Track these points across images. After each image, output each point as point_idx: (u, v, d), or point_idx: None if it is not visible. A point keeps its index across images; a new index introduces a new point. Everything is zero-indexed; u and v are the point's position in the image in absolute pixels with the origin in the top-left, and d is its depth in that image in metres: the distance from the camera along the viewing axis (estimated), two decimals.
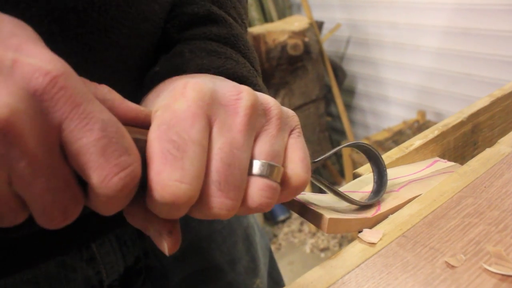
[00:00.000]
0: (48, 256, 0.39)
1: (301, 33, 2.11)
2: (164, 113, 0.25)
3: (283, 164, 0.29)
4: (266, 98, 0.30)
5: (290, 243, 2.26)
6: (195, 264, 0.51)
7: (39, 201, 0.21)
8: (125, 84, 0.35)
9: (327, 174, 2.63)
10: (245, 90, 0.28)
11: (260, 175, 0.27)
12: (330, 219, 0.33)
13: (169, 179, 0.23)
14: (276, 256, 2.16)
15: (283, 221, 2.41)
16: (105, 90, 0.25)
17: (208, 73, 0.33)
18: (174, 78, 0.31)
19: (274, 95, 2.18)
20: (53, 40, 0.29)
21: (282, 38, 2.06)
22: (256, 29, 2.17)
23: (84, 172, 0.22)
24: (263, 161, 0.27)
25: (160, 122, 0.25)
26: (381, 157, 0.39)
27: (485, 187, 0.38)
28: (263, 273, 0.60)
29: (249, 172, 0.27)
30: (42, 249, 0.38)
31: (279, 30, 2.08)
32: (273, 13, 2.58)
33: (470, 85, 1.91)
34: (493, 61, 1.78)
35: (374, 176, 0.40)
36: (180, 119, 0.25)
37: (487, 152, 0.43)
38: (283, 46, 2.06)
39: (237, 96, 0.28)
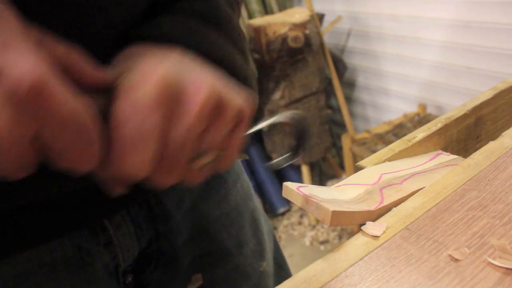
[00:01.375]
0: (61, 232, 0.39)
1: (302, 25, 2.10)
2: (128, 95, 0.28)
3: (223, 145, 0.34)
4: (227, 92, 0.32)
5: (290, 236, 2.26)
6: (204, 246, 0.52)
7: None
8: (109, 53, 0.36)
9: (327, 167, 2.63)
10: (206, 86, 0.30)
11: (198, 160, 0.32)
12: (333, 211, 0.33)
13: (129, 163, 0.28)
14: None
15: (283, 214, 2.41)
16: (78, 56, 0.27)
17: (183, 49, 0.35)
18: (148, 52, 0.33)
19: (274, 88, 2.17)
20: (37, 4, 0.29)
21: (283, 30, 2.05)
22: (257, 21, 2.16)
23: (56, 160, 0.26)
24: (207, 149, 0.32)
25: (124, 107, 0.27)
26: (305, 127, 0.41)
27: (489, 180, 0.38)
28: (269, 257, 0.61)
29: (196, 157, 0.32)
30: (54, 224, 0.38)
31: (280, 22, 2.07)
32: (274, 5, 2.56)
33: (472, 79, 1.91)
34: (495, 54, 1.77)
35: (295, 140, 0.41)
36: (144, 106, 0.27)
37: (491, 145, 0.43)
38: (284, 38, 2.05)
39: (197, 89, 0.30)
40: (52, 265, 0.39)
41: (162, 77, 0.29)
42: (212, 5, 0.38)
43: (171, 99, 0.29)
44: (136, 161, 0.28)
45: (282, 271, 0.65)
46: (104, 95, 0.29)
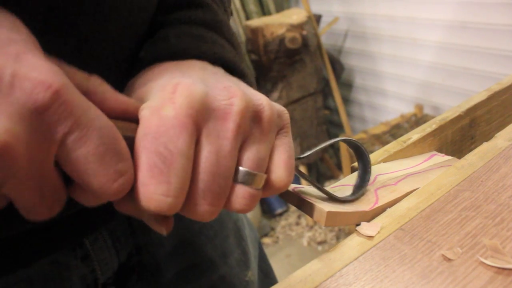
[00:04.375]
0: (41, 254, 0.39)
1: (299, 26, 2.10)
2: (151, 117, 0.25)
3: (268, 166, 0.30)
4: (258, 99, 0.29)
5: (288, 236, 2.27)
6: (188, 258, 0.51)
7: (28, 203, 0.22)
8: (119, 75, 0.35)
9: (325, 168, 2.64)
10: (237, 95, 0.28)
11: (243, 183, 0.28)
12: (328, 212, 0.34)
13: (155, 193, 0.24)
14: (274, 249, 2.17)
15: (281, 214, 2.42)
16: (97, 82, 0.25)
17: (194, 57, 0.33)
18: (163, 68, 0.31)
19: (272, 88, 2.17)
20: (47, 30, 0.29)
21: (280, 31, 2.06)
22: (254, 22, 2.16)
23: (83, 179, 0.22)
24: (248, 170, 0.28)
25: (147, 129, 0.25)
26: (368, 155, 0.40)
27: (482, 181, 0.38)
28: (254, 266, 0.60)
29: (234, 179, 0.28)
30: (35, 247, 0.38)
31: (277, 23, 2.07)
32: (271, 6, 2.57)
33: (468, 79, 1.92)
34: (491, 55, 1.78)
35: (359, 172, 0.40)
36: (167, 128, 0.24)
37: (484, 146, 0.44)
38: (281, 39, 2.05)
39: (228, 101, 0.27)
40: (28, 281, 0.38)
41: (185, 91, 0.26)
42: (210, 12, 0.37)
43: (199, 115, 0.26)
44: (162, 193, 0.24)
45: (268, 279, 0.64)
46: (127, 124, 0.26)
